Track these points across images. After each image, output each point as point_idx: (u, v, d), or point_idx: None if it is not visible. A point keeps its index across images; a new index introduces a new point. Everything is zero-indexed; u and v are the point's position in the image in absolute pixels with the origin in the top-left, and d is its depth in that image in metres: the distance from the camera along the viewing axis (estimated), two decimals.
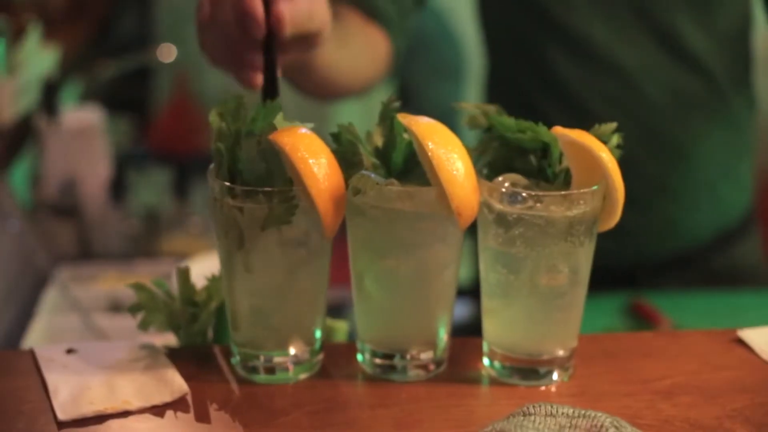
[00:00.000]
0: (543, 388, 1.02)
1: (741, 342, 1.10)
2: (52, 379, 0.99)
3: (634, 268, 1.73)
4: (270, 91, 1.06)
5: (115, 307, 1.80)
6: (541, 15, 1.63)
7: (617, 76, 1.63)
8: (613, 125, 1.01)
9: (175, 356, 1.04)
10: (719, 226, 1.73)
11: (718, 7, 1.63)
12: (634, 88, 1.62)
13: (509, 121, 1.01)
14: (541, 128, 1.00)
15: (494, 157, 1.02)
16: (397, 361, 1.03)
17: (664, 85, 1.64)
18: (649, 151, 1.64)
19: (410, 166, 1.00)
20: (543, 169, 1.01)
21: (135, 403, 0.96)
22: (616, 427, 0.88)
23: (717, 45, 1.65)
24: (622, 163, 0.99)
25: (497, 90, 1.76)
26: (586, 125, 1.00)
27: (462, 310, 1.71)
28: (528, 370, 1.02)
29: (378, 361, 1.03)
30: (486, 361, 1.04)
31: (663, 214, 1.71)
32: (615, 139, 1.01)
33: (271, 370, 1.01)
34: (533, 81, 1.68)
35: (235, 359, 1.03)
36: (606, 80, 1.63)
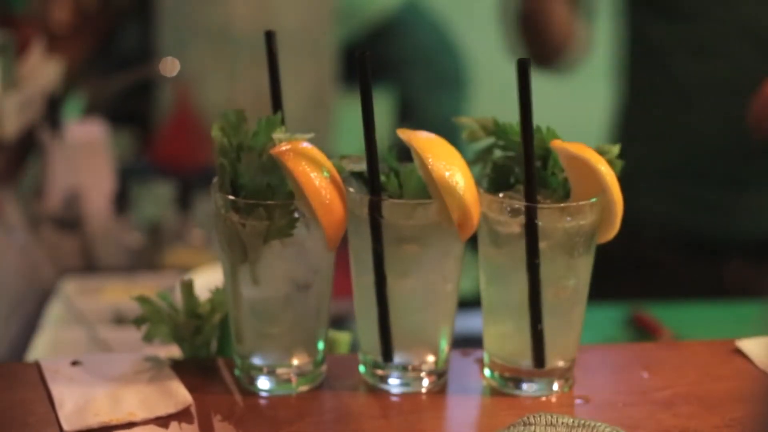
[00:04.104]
0: (544, 398, 1.02)
1: (739, 352, 1.11)
2: (58, 391, 1.00)
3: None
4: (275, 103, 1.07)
5: (119, 320, 1.80)
6: None
7: None
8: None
9: (179, 368, 1.04)
10: None
11: None
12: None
13: (513, 126, 1.01)
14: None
15: (494, 169, 1.03)
16: (399, 372, 1.03)
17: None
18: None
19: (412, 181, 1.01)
20: (543, 179, 1.01)
21: (139, 415, 0.97)
22: None
23: None
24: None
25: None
26: None
27: (463, 322, 1.71)
28: (529, 380, 1.03)
29: (380, 372, 1.04)
30: (487, 371, 1.05)
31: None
32: (614, 151, 1.02)
33: (274, 381, 1.02)
34: None
35: (239, 371, 1.04)
36: None
